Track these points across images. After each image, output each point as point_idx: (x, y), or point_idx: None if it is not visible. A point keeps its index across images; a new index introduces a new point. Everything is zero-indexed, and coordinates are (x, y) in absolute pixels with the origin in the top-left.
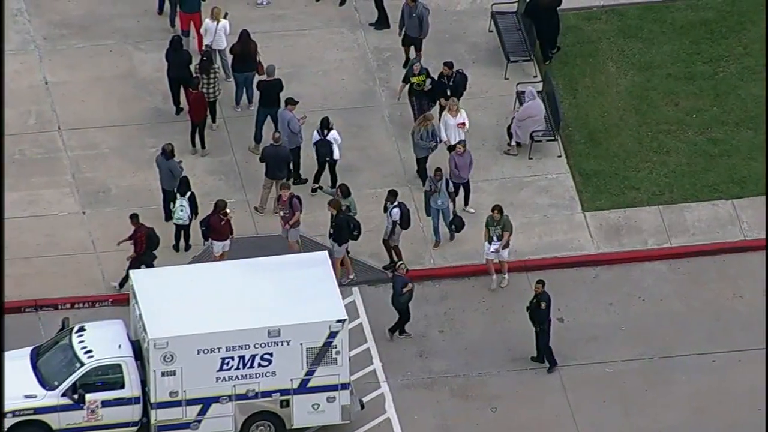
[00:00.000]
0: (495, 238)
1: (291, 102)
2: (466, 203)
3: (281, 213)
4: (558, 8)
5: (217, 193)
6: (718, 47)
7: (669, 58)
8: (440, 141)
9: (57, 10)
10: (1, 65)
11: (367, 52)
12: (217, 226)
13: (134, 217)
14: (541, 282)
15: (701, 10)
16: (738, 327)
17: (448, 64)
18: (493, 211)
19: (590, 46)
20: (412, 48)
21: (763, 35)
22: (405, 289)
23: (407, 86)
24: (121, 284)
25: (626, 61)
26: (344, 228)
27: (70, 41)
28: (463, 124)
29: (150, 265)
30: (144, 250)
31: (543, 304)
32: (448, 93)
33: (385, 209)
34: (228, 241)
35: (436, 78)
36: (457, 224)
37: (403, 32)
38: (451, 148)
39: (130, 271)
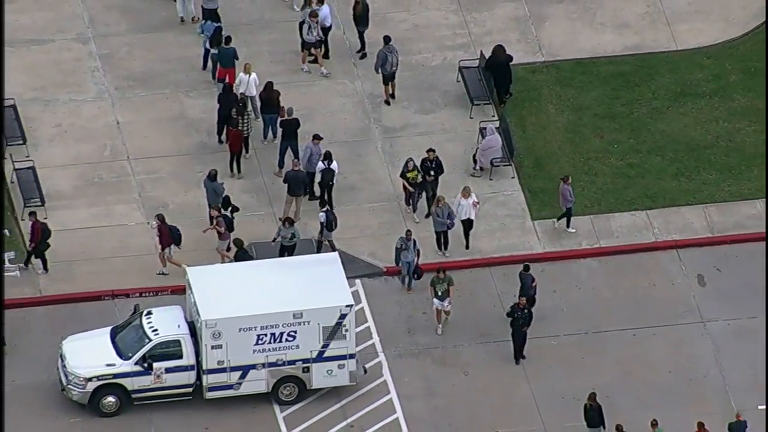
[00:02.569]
0: (440, 293)
1: (317, 137)
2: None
3: (216, 228)
4: (510, 63)
5: (250, 207)
6: (632, 93)
7: (595, 102)
8: (454, 219)
9: (124, 67)
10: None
11: (363, 98)
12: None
13: (32, 215)
14: (524, 296)
15: (619, 65)
16: (652, 309)
17: (431, 151)
18: (438, 272)
19: (535, 93)
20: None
21: (667, 84)
22: None
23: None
24: (25, 263)
25: (562, 104)
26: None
27: (135, 91)
28: (477, 202)
29: (43, 252)
30: (40, 240)
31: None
32: (432, 173)
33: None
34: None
35: (420, 162)
36: (418, 273)
37: (380, 72)
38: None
39: (187, 268)
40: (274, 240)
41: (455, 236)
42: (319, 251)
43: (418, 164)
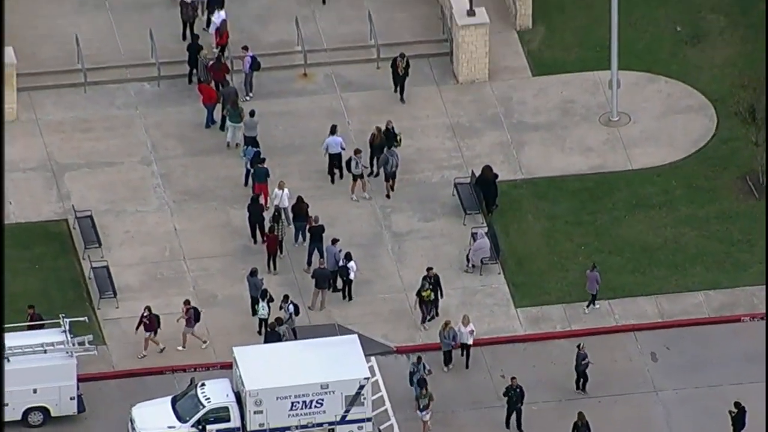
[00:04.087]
0: (422, 406)
1: (335, 240)
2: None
3: (185, 317)
4: (496, 180)
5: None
6: (596, 204)
7: (566, 212)
8: (458, 341)
9: (180, 183)
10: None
11: (376, 209)
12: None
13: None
14: (514, 377)
15: (585, 181)
16: (614, 380)
17: (429, 269)
18: (422, 389)
19: (516, 204)
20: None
21: (624, 197)
22: None
23: (418, 298)
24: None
25: (539, 214)
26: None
27: (189, 203)
28: (473, 331)
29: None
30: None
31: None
32: (430, 288)
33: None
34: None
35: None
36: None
37: (383, 170)
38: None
39: (234, 348)
40: (273, 325)
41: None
42: (295, 336)
43: (420, 279)
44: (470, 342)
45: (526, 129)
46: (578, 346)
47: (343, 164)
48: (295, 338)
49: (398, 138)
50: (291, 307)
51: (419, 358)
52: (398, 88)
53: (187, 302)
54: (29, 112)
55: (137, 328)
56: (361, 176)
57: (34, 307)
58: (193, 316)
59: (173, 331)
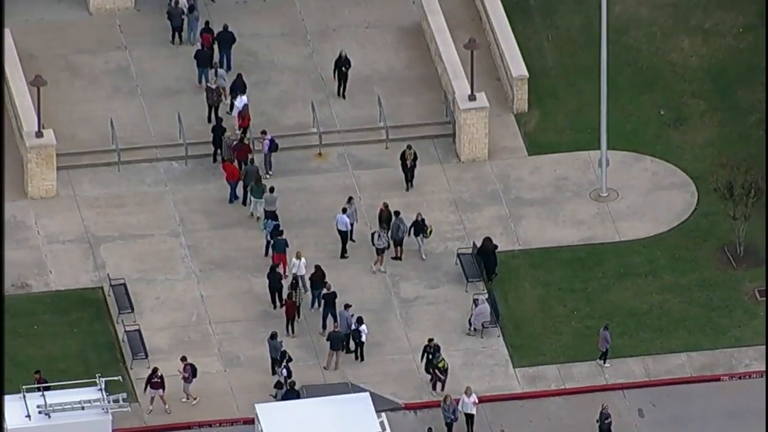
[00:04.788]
0: None
1: (348, 306)
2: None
3: (183, 375)
4: (495, 251)
5: (301, 359)
6: (587, 273)
7: (559, 280)
8: (458, 414)
9: (206, 253)
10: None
11: (386, 278)
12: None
13: (183, 359)
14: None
15: (577, 252)
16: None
17: (431, 340)
18: None
19: (514, 273)
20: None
21: (613, 266)
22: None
23: (430, 369)
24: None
25: (535, 282)
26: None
27: (214, 272)
28: (476, 402)
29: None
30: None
31: None
32: (430, 356)
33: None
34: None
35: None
36: None
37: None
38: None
39: (256, 405)
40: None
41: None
42: (297, 396)
43: (421, 349)
44: (473, 412)
45: (523, 204)
46: (602, 406)
47: (350, 240)
48: (298, 397)
49: (429, 230)
50: (284, 371)
51: (429, 429)
52: (407, 178)
53: (183, 359)
54: (68, 189)
55: (145, 388)
56: (384, 250)
57: (40, 372)
58: (190, 372)
59: (199, 389)
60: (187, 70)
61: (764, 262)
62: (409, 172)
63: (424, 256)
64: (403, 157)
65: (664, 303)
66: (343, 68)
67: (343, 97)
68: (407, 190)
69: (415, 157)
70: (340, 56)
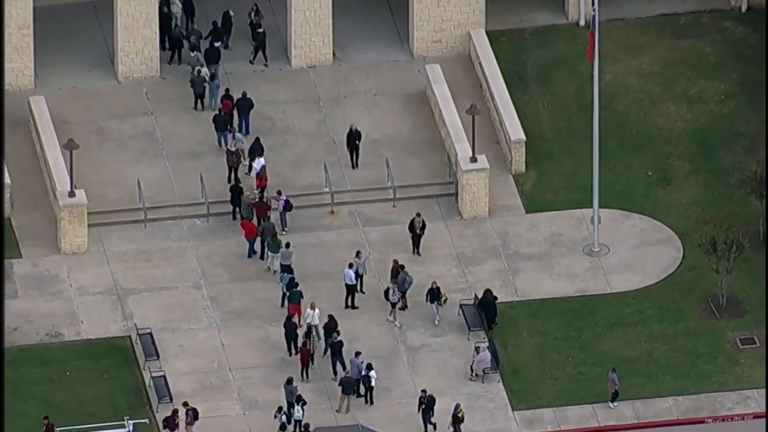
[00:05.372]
0: None
1: (358, 353)
2: None
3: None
4: (495, 302)
5: (316, 403)
6: (581, 323)
7: (555, 329)
8: None
9: (226, 304)
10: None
11: (394, 327)
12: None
13: (185, 404)
14: None
15: (571, 303)
16: None
17: (423, 391)
18: None
19: (512, 322)
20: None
21: (605, 316)
22: None
23: None
24: None
25: (532, 331)
26: None
27: (234, 321)
28: None
29: None
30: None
31: None
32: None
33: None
34: None
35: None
36: None
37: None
38: None
39: None
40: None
41: None
42: None
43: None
44: None
45: (521, 258)
46: None
47: (359, 291)
48: None
49: (444, 299)
50: (284, 417)
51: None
52: (415, 244)
53: (185, 404)
54: (98, 245)
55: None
56: (396, 304)
57: (49, 417)
58: (192, 416)
59: (219, 431)
60: (208, 134)
61: (745, 313)
62: (417, 239)
63: (437, 322)
64: (412, 224)
65: (653, 351)
66: (356, 141)
67: (356, 166)
68: (415, 253)
69: (424, 225)
70: (351, 130)
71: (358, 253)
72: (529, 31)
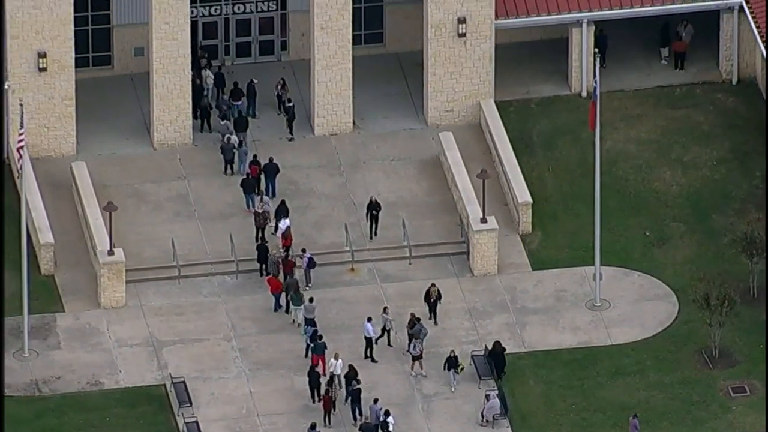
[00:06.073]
0: None
1: (377, 400)
2: None
3: None
4: (504, 353)
5: None
6: (583, 372)
7: (559, 378)
8: None
9: (254, 355)
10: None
11: (409, 376)
12: None
13: None
14: None
15: (574, 354)
16: None
17: None
18: None
19: (520, 372)
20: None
21: (606, 366)
22: None
23: None
24: None
25: (538, 380)
26: None
27: (261, 371)
28: None
29: None
30: None
31: None
32: None
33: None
34: None
35: None
36: None
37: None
38: None
39: None
40: None
41: None
42: None
43: None
44: None
45: (528, 312)
46: None
47: (374, 344)
48: None
49: (460, 368)
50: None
51: None
52: (432, 311)
53: None
54: (135, 300)
55: None
56: (419, 357)
57: None
58: None
59: None
60: (237, 197)
61: (736, 363)
62: (433, 307)
63: (453, 389)
64: (427, 294)
65: (650, 398)
66: (374, 211)
67: (375, 235)
68: (432, 320)
69: (439, 295)
70: (370, 201)
71: (385, 309)
72: (535, 102)
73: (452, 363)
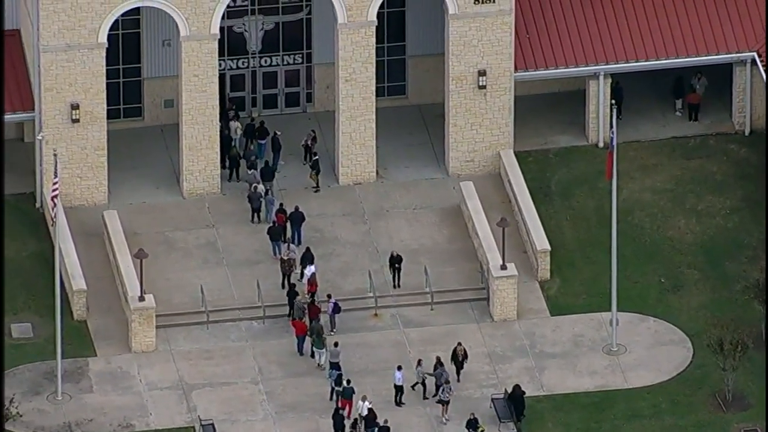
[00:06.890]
0: None
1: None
2: None
3: None
4: (523, 396)
5: None
6: (600, 414)
7: (577, 421)
8: None
9: (280, 398)
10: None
11: (431, 418)
12: None
13: None
14: None
15: (592, 397)
16: None
17: None
18: None
19: (539, 414)
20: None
21: (622, 409)
22: None
23: None
24: None
25: (557, 422)
26: None
27: (287, 413)
28: None
29: None
30: None
31: None
32: None
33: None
34: None
35: None
36: None
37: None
38: None
39: None
40: None
41: None
42: None
43: None
44: None
45: (546, 357)
46: None
47: (407, 389)
48: None
49: (480, 430)
50: None
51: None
52: (458, 369)
53: None
54: (165, 345)
55: None
56: (447, 402)
57: None
58: None
59: None
60: (264, 244)
61: (749, 407)
62: (460, 366)
63: None
64: (454, 353)
65: None
66: (396, 264)
67: (398, 286)
68: (458, 381)
69: (465, 355)
70: (392, 255)
71: (419, 362)
72: (553, 152)
73: (472, 425)
